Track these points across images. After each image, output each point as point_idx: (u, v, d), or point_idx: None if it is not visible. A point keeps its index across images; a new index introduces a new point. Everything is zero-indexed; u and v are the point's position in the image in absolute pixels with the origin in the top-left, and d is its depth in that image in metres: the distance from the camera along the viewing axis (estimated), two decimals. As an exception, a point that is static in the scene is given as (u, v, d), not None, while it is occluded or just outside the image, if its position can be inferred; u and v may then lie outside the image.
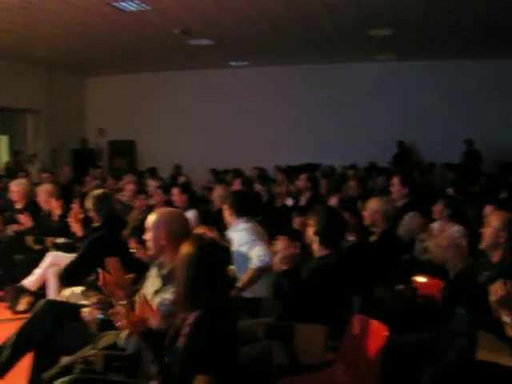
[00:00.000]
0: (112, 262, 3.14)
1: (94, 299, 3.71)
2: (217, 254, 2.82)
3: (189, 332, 2.56)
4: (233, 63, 16.26)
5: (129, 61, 15.66)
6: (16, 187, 7.65)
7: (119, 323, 2.84)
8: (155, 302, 3.27)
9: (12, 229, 7.32)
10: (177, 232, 3.32)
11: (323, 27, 11.67)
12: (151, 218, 3.43)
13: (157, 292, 3.33)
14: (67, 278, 5.04)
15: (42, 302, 4.07)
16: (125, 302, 2.92)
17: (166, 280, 3.26)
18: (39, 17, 10.58)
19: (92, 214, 5.39)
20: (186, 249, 2.76)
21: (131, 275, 3.31)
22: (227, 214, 4.91)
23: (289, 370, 3.38)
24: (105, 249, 4.64)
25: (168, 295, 3.15)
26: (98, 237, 5.10)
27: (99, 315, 3.63)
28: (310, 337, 3.38)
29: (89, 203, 5.38)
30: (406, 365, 3.37)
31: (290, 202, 8.35)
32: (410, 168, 11.74)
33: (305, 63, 15.79)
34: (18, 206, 7.56)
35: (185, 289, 2.70)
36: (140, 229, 3.62)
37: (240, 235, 4.67)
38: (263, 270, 4.35)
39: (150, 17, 10.75)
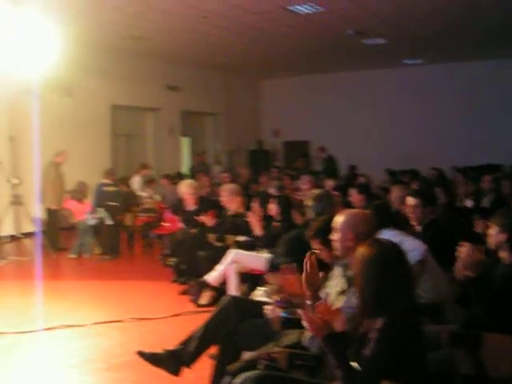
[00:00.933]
0: (311, 258, 3.17)
1: (276, 297, 3.80)
2: (399, 255, 2.75)
3: (377, 337, 2.52)
4: (407, 61, 15.89)
5: (303, 63, 15.89)
6: (190, 189, 8.09)
7: (305, 323, 2.88)
8: (339, 303, 3.28)
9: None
10: (364, 233, 3.29)
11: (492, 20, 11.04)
12: (338, 219, 3.44)
13: (341, 293, 3.34)
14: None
15: (226, 298, 4.24)
16: (310, 302, 2.95)
17: (352, 282, 3.25)
18: (219, 24, 11.06)
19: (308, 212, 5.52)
20: (366, 251, 2.71)
21: (323, 274, 3.35)
22: None
23: (475, 381, 3.24)
24: (303, 245, 4.75)
25: (354, 298, 3.15)
26: (297, 233, 5.22)
27: (282, 313, 3.70)
28: (499, 348, 3.21)
29: (307, 201, 5.53)
30: None
31: (469, 203, 7.99)
32: None
33: (480, 60, 15.05)
34: (191, 207, 8.02)
35: (370, 294, 2.65)
36: (324, 229, 3.65)
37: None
38: (422, 264, 4.22)
39: (325, 18, 10.85)
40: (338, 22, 11.18)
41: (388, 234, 4.53)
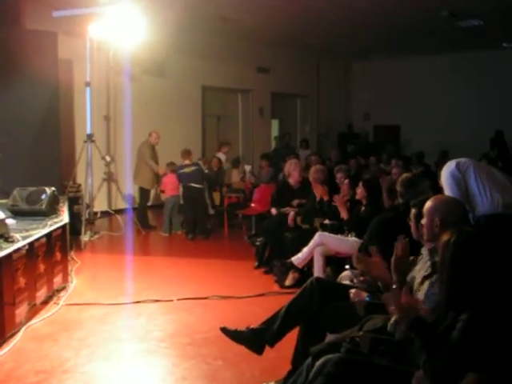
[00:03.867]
0: (403, 242, 3.08)
1: (361, 279, 3.74)
2: (486, 244, 2.63)
3: (463, 328, 2.43)
4: (505, 44, 15.20)
5: (395, 45, 15.51)
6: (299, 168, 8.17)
7: (390, 308, 2.81)
8: (423, 288, 3.20)
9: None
10: (452, 220, 3.18)
11: None
12: (427, 204, 3.35)
13: (425, 278, 3.24)
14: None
15: (311, 280, 4.21)
16: (395, 287, 2.88)
17: (437, 268, 3.15)
18: (309, 5, 10.94)
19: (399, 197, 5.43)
20: (448, 240, 2.62)
21: (413, 258, 3.27)
22: None
23: None
24: (393, 229, 4.66)
25: (437, 285, 3.05)
26: (391, 216, 5.13)
27: (366, 298, 3.64)
28: None
29: (398, 186, 5.45)
30: None
31: None
32: None
33: None
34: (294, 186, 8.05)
35: (458, 284, 2.56)
36: (419, 213, 3.57)
37: None
38: None
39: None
40: (432, 3, 10.81)
41: None
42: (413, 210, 3.72)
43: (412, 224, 3.70)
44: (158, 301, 6.16)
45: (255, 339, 4.10)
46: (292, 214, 7.45)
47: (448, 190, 5.11)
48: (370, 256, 3.30)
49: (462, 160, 5.27)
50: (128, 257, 8.39)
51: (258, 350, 4.11)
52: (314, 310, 3.96)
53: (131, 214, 10.56)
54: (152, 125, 11.29)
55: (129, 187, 11.36)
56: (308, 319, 4.00)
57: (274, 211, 8.02)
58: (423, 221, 3.34)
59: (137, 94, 12.15)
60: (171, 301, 6.17)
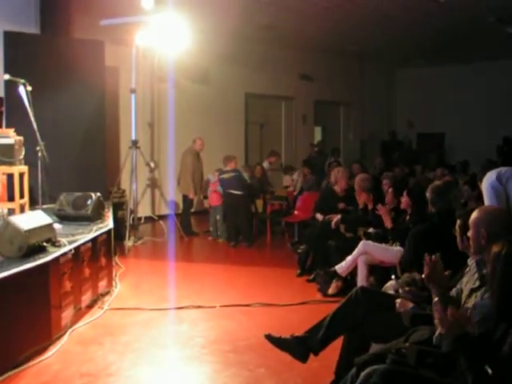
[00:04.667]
0: (434, 257, 3.05)
1: (406, 289, 3.69)
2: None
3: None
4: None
5: (439, 52, 15.33)
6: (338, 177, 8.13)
7: (436, 320, 2.77)
8: (471, 301, 3.15)
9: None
10: (498, 232, 3.12)
11: None
12: (473, 215, 3.29)
13: (473, 291, 3.19)
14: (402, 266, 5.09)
15: (356, 289, 4.17)
16: (436, 299, 2.83)
17: (486, 280, 3.09)
18: (352, 12, 10.89)
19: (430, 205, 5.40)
20: (499, 252, 2.58)
21: (448, 272, 3.22)
22: None
23: None
24: (429, 240, 4.61)
25: (486, 298, 2.99)
26: (426, 226, 5.07)
27: (412, 308, 3.59)
28: None
29: (428, 193, 5.41)
30: None
31: None
32: None
33: None
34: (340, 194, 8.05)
35: (503, 296, 2.51)
36: (464, 224, 3.51)
37: None
38: None
39: (464, 5, 10.34)
40: (479, 9, 10.64)
41: None
42: (458, 221, 3.66)
43: (458, 235, 3.64)
44: (200, 307, 6.18)
45: (299, 347, 4.07)
46: (337, 218, 7.41)
47: (487, 200, 5.03)
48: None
49: (503, 170, 5.18)
50: (171, 263, 8.46)
51: (302, 358, 4.09)
52: (358, 319, 3.93)
53: (174, 220, 10.65)
54: (195, 132, 11.40)
55: (172, 193, 11.47)
56: (353, 329, 3.97)
57: (319, 216, 8.00)
58: (469, 233, 3.29)
59: (180, 100, 12.28)
60: (213, 307, 6.18)
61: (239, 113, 14.29)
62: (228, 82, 13.64)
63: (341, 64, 16.59)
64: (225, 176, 9.96)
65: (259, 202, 10.93)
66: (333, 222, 7.38)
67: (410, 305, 3.64)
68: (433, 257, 3.16)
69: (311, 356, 4.08)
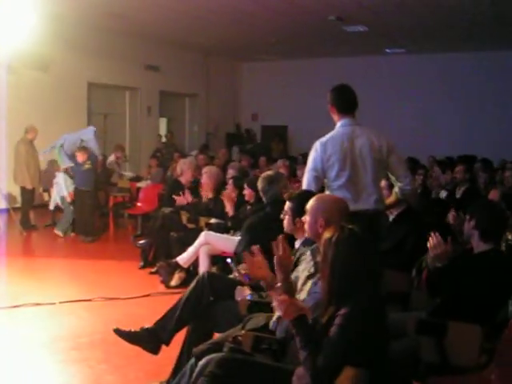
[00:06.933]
0: (283, 241, 3.12)
1: (242, 272, 3.73)
2: (363, 242, 2.74)
3: (341, 323, 2.52)
4: (388, 50, 15.88)
5: (284, 47, 15.79)
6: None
7: (275, 304, 2.86)
8: (306, 287, 3.27)
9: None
10: (335, 221, 3.23)
11: (485, 12, 11.03)
12: (310, 203, 3.41)
13: (308, 278, 3.31)
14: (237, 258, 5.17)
15: (202, 274, 4.21)
16: (279, 284, 2.93)
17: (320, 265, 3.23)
18: (197, 4, 10.91)
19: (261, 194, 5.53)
20: (335, 236, 2.69)
21: (292, 257, 3.35)
22: None
23: (438, 369, 3.26)
24: (266, 229, 4.74)
25: (320, 283, 3.14)
26: (260, 216, 5.21)
27: (249, 296, 3.68)
28: (463, 336, 3.22)
29: (259, 183, 5.53)
30: None
31: (443, 194, 8.04)
32: None
33: (467, 50, 15.11)
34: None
35: (338, 280, 2.65)
36: (297, 208, 3.64)
37: None
38: None
39: (306, 3, 10.71)
40: (320, 7, 11.07)
41: None
42: (288, 204, 3.79)
43: (287, 217, 3.77)
44: (38, 304, 5.93)
45: (150, 339, 4.05)
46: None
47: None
48: (250, 255, 3.33)
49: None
50: (6, 258, 8.00)
51: (154, 350, 4.07)
52: (204, 304, 3.98)
53: (10, 214, 10.10)
54: (33, 122, 10.76)
55: (3, 186, 10.74)
56: (200, 316, 4.00)
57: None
58: (305, 218, 3.41)
59: (17, 88, 11.63)
60: (53, 304, 5.96)
61: (82, 102, 13.81)
62: (71, 70, 13.11)
63: (187, 56, 16.57)
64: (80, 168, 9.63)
65: (101, 194, 10.69)
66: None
67: (248, 292, 3.74)
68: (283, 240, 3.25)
69: (167, 346, 4.07)
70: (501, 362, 3.13)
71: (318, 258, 3.24)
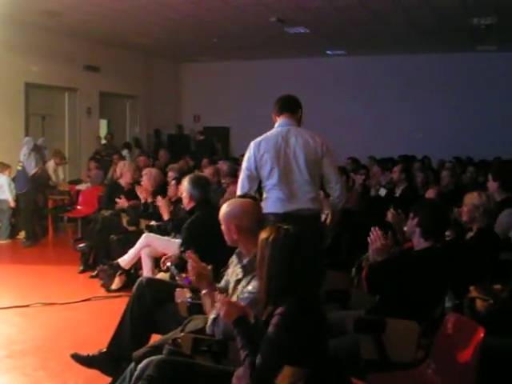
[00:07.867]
0: (190, 254, 3.18)
1: (182, 276, 3.72)
2: (300, 242, 2.75)
3: (278, 322, 2.52)
4: (329, 52, 16.06)
5: (225, 48, 15.77)
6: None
7: (207, 309, 2.86)
8: (237, 291, 3.27)
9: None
10: (247, 226, 3.26)
11: (423, 16, 11.29)
12: (221, 211, 3.39)
13: (238, 282, 3.31)
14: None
15: (139, 280, 4.15)
16: (205, 291, 2.93)
17: (247, 270, 3.23)
18: (137, 3, 10.78)
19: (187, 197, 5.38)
20: (271, 236, 2.69)
21: (209, 267, 3.38)
22: None
23: (378, 365, 3.30)
24: (198, 232, 4.72)
25: (250, 286, 3.14)
26: (191, 220, 5.16)
27: (188, 298, 3.65)
28: (401, 333, 3.28)
29: (184, 185, 5.45)
30: (504, 370, 3.21)
31: (383, 192, 8.20)
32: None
33: (404, 53, 15.43)
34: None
35: (274, 279, 2.65)
36: None
37: None
38: None
39: (247, 4, 10.72)
40: (260, 9, 11.08)
41: None
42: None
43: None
44: (-29, 312, 5.75)
45: (109, 362, 3.96)
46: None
47: None
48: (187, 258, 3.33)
49: None
50: None
51: (114, 373, 3.88)
52: (144, 311, 3.93)
53: None
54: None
55: None
56: (139, 321, 3.95)
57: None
58: (222, 227, 3.40)
59: None
60: (-14, 311, 5.78)
61: (18, 104, 13.43)
62: (5, 70, 12.76)
63: (128, 56, 16.35)
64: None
65: (40, 197, 10.44)
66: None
67: (188, 295, 3.70)
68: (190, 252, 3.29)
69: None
70: (437, 357, 3.19)
71: (244, 261, 3.26)
